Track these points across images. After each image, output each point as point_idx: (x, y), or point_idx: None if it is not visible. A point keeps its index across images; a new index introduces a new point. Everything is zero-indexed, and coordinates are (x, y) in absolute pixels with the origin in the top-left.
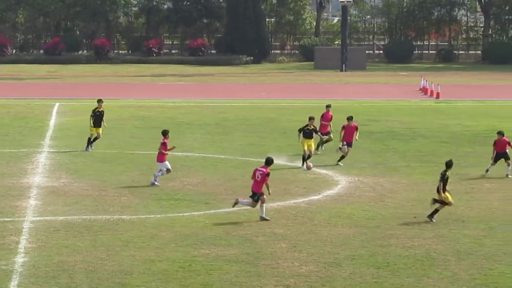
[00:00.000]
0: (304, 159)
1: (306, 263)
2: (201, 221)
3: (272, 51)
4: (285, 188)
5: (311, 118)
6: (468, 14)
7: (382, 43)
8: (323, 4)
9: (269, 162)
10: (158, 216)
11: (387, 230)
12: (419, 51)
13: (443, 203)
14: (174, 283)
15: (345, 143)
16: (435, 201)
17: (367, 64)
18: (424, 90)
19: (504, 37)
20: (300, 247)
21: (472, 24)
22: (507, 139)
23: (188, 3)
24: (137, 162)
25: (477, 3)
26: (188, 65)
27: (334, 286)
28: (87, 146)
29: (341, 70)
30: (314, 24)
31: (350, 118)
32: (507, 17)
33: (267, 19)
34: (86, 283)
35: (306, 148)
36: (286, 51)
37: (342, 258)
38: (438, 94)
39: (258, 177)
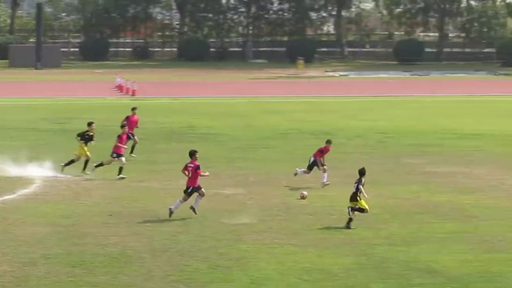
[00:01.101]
0: (72, 163)
1: (0, 264)
2: None
3: None
4: None
5: (90, 124)
6: (164, 11)
7: (78, 40)
8: (18, 1)
9: (191, 154)
10: None
11: (83, 228)
12: (115, 49)
13: (360, 210)
14: None
15: (115, 154)
16: (352, 209)
17: (63, 61)
18: (119, 88)
19: (199, 34)
20: None
21: (168, 22)
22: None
23: None
24: None
25: (173, 0)
26: None
27: (29, 286)
28: None
29: (36, 68)
30: (9, 21)
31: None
32: (201, 14)
33: None
34: None
35: (79, 153)
36: None
37: (37, 257)
38: (134, 91)
39: (190, 173)
